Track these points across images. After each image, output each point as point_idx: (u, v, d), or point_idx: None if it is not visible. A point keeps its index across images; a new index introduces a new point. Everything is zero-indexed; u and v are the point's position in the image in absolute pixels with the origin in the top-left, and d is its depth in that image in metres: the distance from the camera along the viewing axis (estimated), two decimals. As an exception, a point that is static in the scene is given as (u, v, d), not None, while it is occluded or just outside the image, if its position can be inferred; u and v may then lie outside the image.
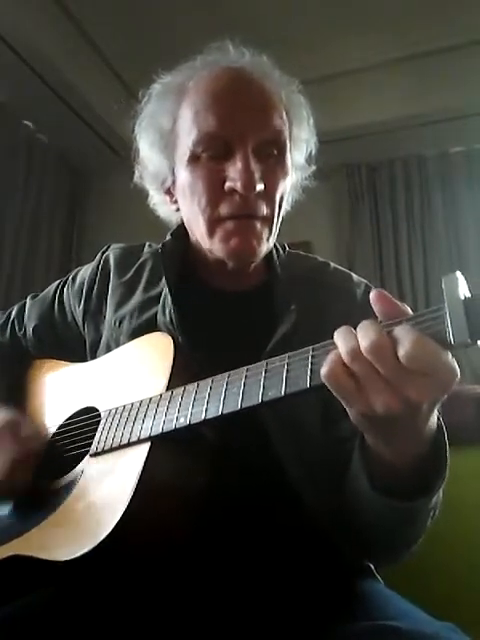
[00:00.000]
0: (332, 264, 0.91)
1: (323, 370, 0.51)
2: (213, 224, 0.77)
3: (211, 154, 0.75)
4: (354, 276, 0.89)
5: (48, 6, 2.46)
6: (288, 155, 0.79)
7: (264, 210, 0.76)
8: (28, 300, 1.02)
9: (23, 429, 0.79)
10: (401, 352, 0.47)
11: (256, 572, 0.69)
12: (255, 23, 2.51)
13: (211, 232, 0.77)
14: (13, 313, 1.02)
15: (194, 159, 0.76)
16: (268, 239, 0.79)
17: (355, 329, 0.52)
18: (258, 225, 0.76)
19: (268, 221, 0.78)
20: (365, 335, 0.49)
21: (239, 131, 0.73)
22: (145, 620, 0.66)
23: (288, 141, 0.79)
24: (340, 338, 0.52)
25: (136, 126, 0.84)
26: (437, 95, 2.72)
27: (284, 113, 0.79)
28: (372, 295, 0.53)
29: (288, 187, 0.81)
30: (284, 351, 0.59)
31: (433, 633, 0.57)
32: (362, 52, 2.74)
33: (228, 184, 0.74)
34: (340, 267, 0.92)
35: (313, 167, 0.88)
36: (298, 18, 2.54)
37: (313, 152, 0.86)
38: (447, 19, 2.51)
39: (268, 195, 0.76)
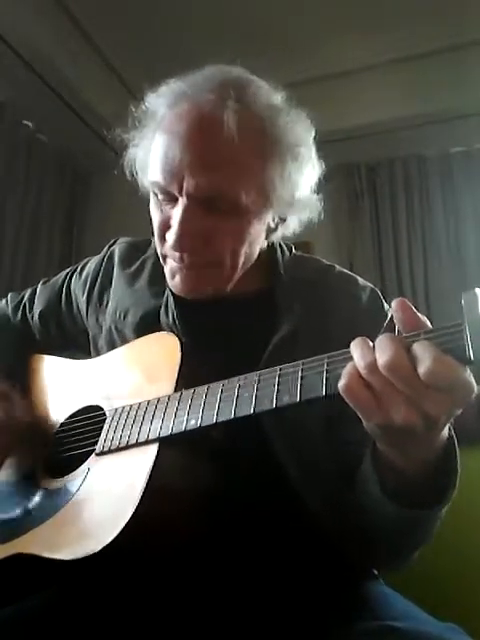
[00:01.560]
0: (337, 267, 0.91)
1: (340, 383, 0.51)
2: (163, 256, 0.80)
3: (162, 198, 0.76)
4: (360, 280, 0.89)
5: (48, 6, 2.45)
6: (246, 208, 0.73)
7: (208, 257, 0.75)
8: (39, 285, 1.05)
9: (11, 398, 0.83)
10: (421, 369, 0.48)
11: (260, 572, 0.70)
12: (255, 23, 2.51)
13: (163, 261, 0.81)
14: (26, 295, 1.05)
15: (154, 194, 0.78)
16: (222, 275, 0.78)
17: (367, 337, 0.52)
18: (203, 269, 0.76)
19: (218, 265, 0.77)
20: (383, 351, 0.49)
21: (179, 188, 0.72)
22: (149, 620, 0.66)
23: (243, 195, 0.72)
24: (357, 351, 0.52)
25: (131, 147, 0.83)
26: (437, 95, 2.71)
27: (252, 163, 0.72)
28: (394, 303, 0.53)
29: (252, 235, 0.77)
30: (284, 353, 0.59)
31: (436, 634, 0.57)
32: (362, 52, 2.73)
33: (167, 234, 0.76)
34: (345, 270, 0.91)
35: (316, 197, 0.82)
36: (298, 18, 2.53)
37: (315, 184, 0.81)
38: (447, 19, 2.51)
39: (212, 248, 0.75)
